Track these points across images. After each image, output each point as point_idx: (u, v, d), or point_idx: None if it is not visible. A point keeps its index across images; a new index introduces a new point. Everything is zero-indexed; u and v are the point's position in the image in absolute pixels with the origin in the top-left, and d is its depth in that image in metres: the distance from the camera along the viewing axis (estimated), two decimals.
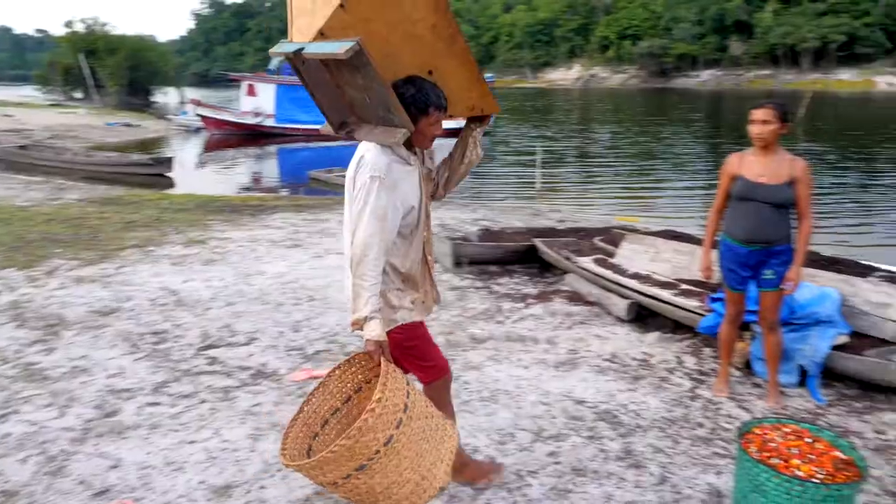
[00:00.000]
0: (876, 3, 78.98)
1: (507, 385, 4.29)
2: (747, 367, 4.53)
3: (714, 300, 4.84)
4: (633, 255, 6.23)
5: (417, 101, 2.45)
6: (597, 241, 7.08)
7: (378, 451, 2.20)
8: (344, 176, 11.74)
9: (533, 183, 13.84)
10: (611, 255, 6.52)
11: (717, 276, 4.19)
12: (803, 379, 4.32)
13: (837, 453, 2.81)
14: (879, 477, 3.35)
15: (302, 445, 2.51)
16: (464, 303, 5.97)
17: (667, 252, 6.06)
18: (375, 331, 2.41)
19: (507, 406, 4.00)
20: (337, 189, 13.93)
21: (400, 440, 2.24)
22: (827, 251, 7.07)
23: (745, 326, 4.50)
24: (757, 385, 4.34)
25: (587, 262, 6.31)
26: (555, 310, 5.81)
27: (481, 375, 4.44)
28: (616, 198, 13.83)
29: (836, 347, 4.31)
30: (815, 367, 4.23)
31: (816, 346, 4.25)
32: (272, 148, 23.60)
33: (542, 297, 6.13)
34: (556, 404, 4.04)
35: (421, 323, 2.78)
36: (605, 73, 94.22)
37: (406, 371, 2.72)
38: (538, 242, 6.91)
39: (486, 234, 7.83)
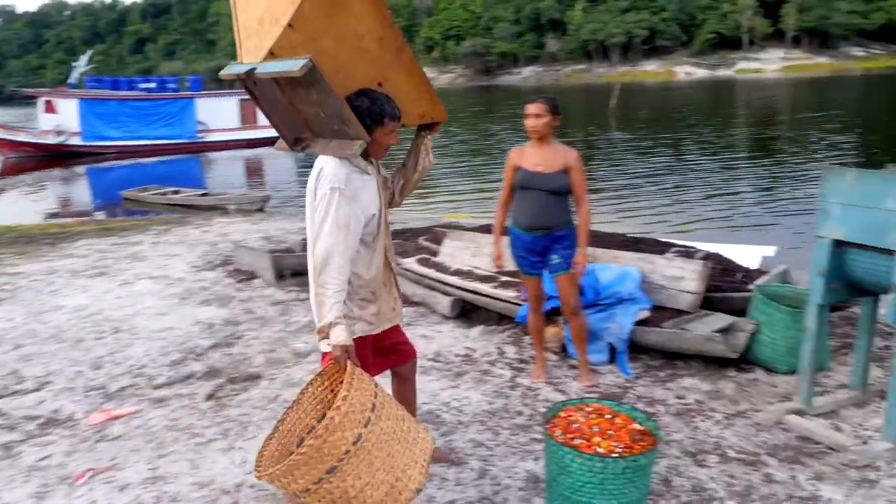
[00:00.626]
0: None
1: None
2: (563, 351, 4.68)
3: None
4: (456, 252, 6.28)
5: (373, 112, 2.51)
6: (421, 241, 7.09)
7: (348, 451, 2.17)
8: (162, 193, 11.02)
9: None
10: (435, 253, 6.55)
11: (509, 263, 4.31)
12: (614, 356, 4.54)
13: (635, 425, 2.93)
14: (679, 440, 3.56)
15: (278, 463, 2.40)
16: (287, 317, 5.74)
17: (487, 246, 6.15)
18: (341, 336, 2.41)
19: None
20: (155, 208, 13.08)
21: (370, 439, 2.22)
22: (645, 233, 7.56)
23: (557, 311, 4.65)
24: (573, 367, 4.49)
25: (411, 262, 6.28)
26: None
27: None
28: (450, 198, 14.04)
29: (640, 322, 4.56)
30: (622, 343, 4.45)
31: (622, 324, 4.48)
32: (80, 168, 21.74)
33: None
34: None
35: (370, 341, 2.75)
36: (432, 73, 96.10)
37: None
38: None
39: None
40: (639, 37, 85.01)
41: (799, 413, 3.69)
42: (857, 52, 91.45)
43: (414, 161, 2.91)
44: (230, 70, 2.57)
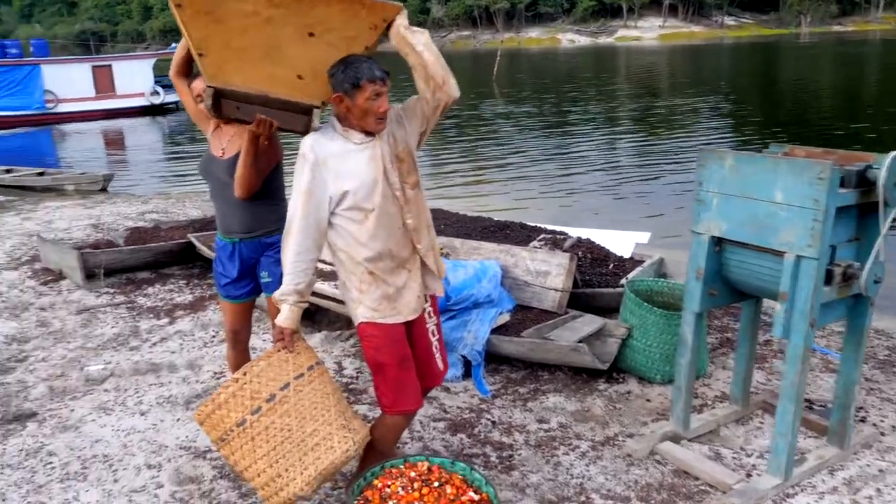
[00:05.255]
0: None
1: (109, 447, 3.26)
2: None
3: None
4: None
5: (349, 76, 2.28)
6: None
7: (232, 430, 2.29)
8: (26, 175, 9.14)
9: None
10: None
11: None
12: (469, 369, 3.87)
13: (471, 494, 2.26)
14: (537, 484, 2.92)
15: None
16: (89, 329, 4.74)
17: None
18: (282, 315, 2.37)
19: (98, 482, 2.97)
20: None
21: (254, 427, 2.28)
22: (519, 213, 6.84)
23: None
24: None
25: None
26: (208, 321, 4.84)
27: (77, 437, 3.35)
28: None
29: (499, 328, 3.91)
30: (477, 355, 3.77)
31: (477, 333, 3.81)
32: None
33: (196, 307, 5.11)
34: (167, 465, 3.10)
35: (393, 329, 2.44)
36: None
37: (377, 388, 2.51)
38: (193, 238, 5.83)
39: (135, 233, 6.52)
40: (522, 3, 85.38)
41: (675, 438, 3.15)
42: (729, 21, 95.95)
43: (414, 60, 2.32)
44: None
